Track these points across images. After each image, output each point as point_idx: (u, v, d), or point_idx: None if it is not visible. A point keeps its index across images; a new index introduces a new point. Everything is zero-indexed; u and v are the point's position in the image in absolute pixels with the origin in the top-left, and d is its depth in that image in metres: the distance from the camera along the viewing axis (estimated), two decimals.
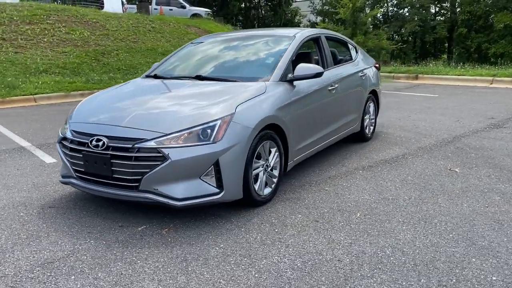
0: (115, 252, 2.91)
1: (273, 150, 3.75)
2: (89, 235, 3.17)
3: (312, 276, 2.59)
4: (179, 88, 3.98)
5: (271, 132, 3.66)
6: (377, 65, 6.22)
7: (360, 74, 5.48)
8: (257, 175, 3.59)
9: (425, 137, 6.09)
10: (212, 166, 3.17)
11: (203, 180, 3.19)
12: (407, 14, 32.50)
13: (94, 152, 3.25)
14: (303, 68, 4.04)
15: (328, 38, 5.30)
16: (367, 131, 5.85)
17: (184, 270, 2.67)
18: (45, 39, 14.18)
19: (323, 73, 4.18)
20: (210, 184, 3.21)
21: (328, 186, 4.15)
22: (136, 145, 3.13)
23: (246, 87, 3.74)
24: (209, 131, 3.19)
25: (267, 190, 3.73)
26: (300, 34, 4.61)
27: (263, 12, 40.42)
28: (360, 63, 5.64)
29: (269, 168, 3.72)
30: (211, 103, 3.44)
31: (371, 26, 31.04)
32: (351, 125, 5.34)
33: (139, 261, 2.78)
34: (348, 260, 2.77)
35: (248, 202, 3.55)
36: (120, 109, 3.63)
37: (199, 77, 4.15)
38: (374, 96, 5.98)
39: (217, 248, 2.95)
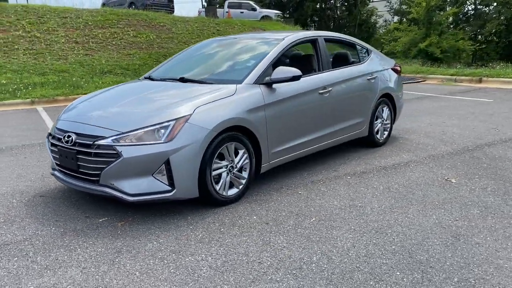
0: (65, 239, 3.17)
1: (241, 151, 3.81)
2: (54, 222, 3.47)
3: (223, 275, 2.64)
4: (157, 90, 4.18)
5: (237, 133, 3.73)
6: (396, 68, 5.97)
7: (367, 77, 5.33)
8: (219, 175, 3.67)
9: (445, 144, 5.76)
10: (163, 164, 3.32)
11: (155, 178, 3.35)
12: (490, 11, 30.21)
13: (65, 147, 3.56)
14: (281, 71, 4.06)
15: (329, 40, 5.22)
16: (378, 136, 5.65)
17: (111, 261, 2.84)
18: (114, 42, 15.24)
19: (301, 77, 4.16)
20: (162, 182, 3.36)
21: (304, 190, 4.11)
22: (96, 142, 3.38)
23: (216, 89, 3.84)
24: (162, 131, 3.35)
25: (233, 191, 3.81)
26: (289, 37, 4.61)
27: (338, 12, 39.82)
28: (370, 65, 5.47)
29: (236, 169, 3.78)
30: (174, 104, 3.59)
31: (451, 26, 29.32)
32: (355, 129, 5.21)
33: (79, 249, 3.01)
34: (268, 263, 2.78)
35: (209, 201, 3.65)
36: (97, 108, 3.91)
37: (182, 79, 4.32)
38: (389, 100, 5.76)
39: (155, 242, 3.10)
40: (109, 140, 3.35)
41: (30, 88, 11.11)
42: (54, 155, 3.78)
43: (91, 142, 3.40)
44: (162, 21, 17.96)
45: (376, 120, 5.58)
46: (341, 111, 4.90)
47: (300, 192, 4.07)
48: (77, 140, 3.49)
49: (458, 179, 4.34)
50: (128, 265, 2.79)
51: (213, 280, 2.58)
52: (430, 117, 7.71)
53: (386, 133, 5.82)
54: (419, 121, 7.34)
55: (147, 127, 3.36)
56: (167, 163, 3.32)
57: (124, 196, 3.35)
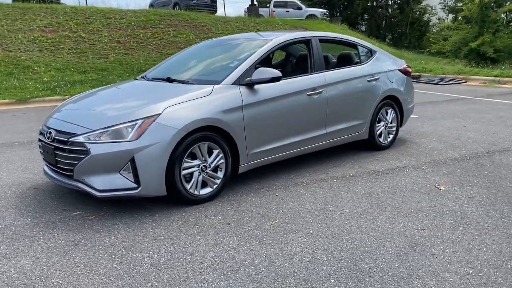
0: (34, 230, 3.36)
1: (216, 151, 3.85)
2: (33, 214, 3.68)
3: (160, 273, 2.70)
4: (141, 89, 4.30)
5: (210, 133, 3.77)
6: (405, 69, 5.77)
7: (368, 78, 5.19)
8: (191, 174, 3.74)
9: (454, 149, 5.50)
10: (129, 162, 3.43)
11: (122, 175, 3.47)
12: None
13: (46, 143, 3.76)
14: (261, 72, 4.06)
15: (325, 41, 5.14)
16: (381, 139, 5.49)
17: (64, 253, 2.98)
18: (154, 42, 15.73)
19: (281, 78, 4.14)
20: (128, 179, 3.47)
21: (283, 192, 4.09)
22: (70, 139, 3.54)
23: (193, 90, 3.90)
24: (130, 129, 3.46)
25: (206, 190, 3.85)
26: (276, 39, 4.59)
27: (390, 10, 38.71)
28: (371, 66, 5.32)
29: (209, 169, 3.83)
30: (147, 103, 3.69)
31: (510, 24, 27.63)
32: (353, 131, 5.10)
33: (41, 240, 3.18)
34: (209, 263, 2.81)
35: (179, 200, 3.72)
36: (81, 107, 4.09)
37: (169, 79, 4.42)
38: (394, 102, 5.57)
39: (113, 237, 3.21)
40: (81, 137, 3.50)
41: (69, 86, 11.72)
42: (40, 150, 4.00)
43: (66, 139, 3.56)
44: (203, 21, 18.29)
45: (378, 123, 5.42)
46: (336, 113, 4.81)
47: (277, 194, 4.05)
48: (55, 137, 3.68)
49: (449, 187, 4.14)
50: (77, 257, 2.91)
51: (147, 277, 2.65)
52: (452, 120, 7.37)
53: (391, 136, 5.64)
54: (439, 124, 7.04)
55: (115, 125, 3.48)
56: (132, 161, 3.42)
57: (93, 192, 3.48)
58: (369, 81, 5.21)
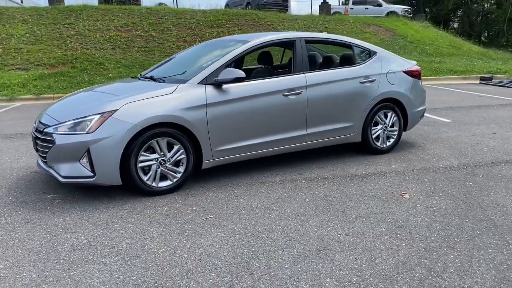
0: (6, 208, 3.86)
1: (176, 147, 4.09)
2: (16, 194, 4.20)
3: (72, 253, 3.01)
4: (124, 87, 4.62)
5: (170, 129, 4.01)
6: (411, 71, 5.53)
7: (360, 80, 5.08)
8: (149, 167, 4.01)
9: (457, 157, 5.19)
10: (86, 152, 3.79)
11: (81, 164, 3.84)
12: None
13: (33, 132, 4.27)
14: (227, 72, 4.22)
15: (313, 42, 5.13)
16: (379, 143, 5.34)
17: (11, 228, 3.42)
18: None
19: (245, 79, 4.27)
20: (86, 168, 3.84)
21: (243, 189, 4.22)
22: (44, 130, 4.01)
23: (159, 88, 4.17)
24: (88, 123, 3.82)
25: (165, 183, 4.11)
26: (254, 41, 4.68)
27: (486, 5, 35.84)
28: (366, 68, 5.19)
29: (169, 163, 4.08)
30: (112, 100, 4.03)
31: None
32: (341, 133, 5.04)
33: (4, 216, 3.66)
34: (119, 248, 3.06)
35: (136, 190, 4.01)
36: (69, 101, 4.54)
37: (152, 78, 4.73)
38: (396, 105, 5.38)
39: (61, 219, 3.60)
40: (51, 128, 3.94)
41: None
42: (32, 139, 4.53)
43: (42, 129, 4.03)
44: (270, 20, 18.55)
45: (375, 126, 5.28)
46: (318, 114, 4.79)
47: (235, 191, 4.18)
48: (37, 127, 4.16)
49: (415, 196, 3.98)
50: (19, 233, 3.32)
51: (58, 255, 2.96)
52: (486, 126, 6.86)
53: (391, 140, 5.45)
54: (467, 130, 6.61)
55: (78, 119, 3.86)
56: (88, 151, 3.77)
57: (59, 178, 3.90)
58: (362, 82, 5.09)
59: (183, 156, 4.13)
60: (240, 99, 4.34)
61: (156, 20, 17.13)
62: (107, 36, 15.60)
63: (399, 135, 5.50)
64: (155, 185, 4.05)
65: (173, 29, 16.69)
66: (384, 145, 5.39)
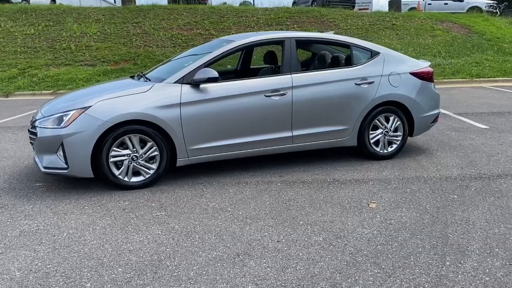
0: None
1: (149, 144, 4.24)
2: (12, 180, 4.60)
3: (17, 238, 3.25)
4: (113, 85, 4.80)
5: (142, 127, 4.16)
6: (420, 73, 5.18)
7: (356, 81, 4.87)
8: (122, 162, 4.20)
9: (462, 168, 4.80)
10: (60, 146, 4.06)
11: (58, 156, 4.12)
12: None
13: (29, 127, 4.65)
14: (202, 72, 4.28)
15: (307, 42, 5.00)
16: (378, 148, 5.09)
17: None
18: None
19: (218, 79, 4.28)
20: (61, 160, 4.11)
21: (212, 189, 4.25)
22: (33, 123, 4.35)
23: (136, 86, 4.34)
24: (64, 118, 4.09)
25: (138, 178, 4.27)
26: (240, 41, 4.67)
27: None
28: (365, 69, 4.95)
29: (142, 159, 4.23)
30: (90, 97, 4.25)
31: None
32: (333, 136, 4.88)
33: None
34: (57, 237, 3.25)
35: (109, 183, 4.21)
36: (64, 98, 4.85)
37: (144, 76, 4.91)
38: (400, 109, 5.09)
39: (30, 206, 3.88)
40: (37, 122, 4.26)
41: None
42: None
43: (32, 124, 4.37)
44: (333, 17, 18.18)
45: (373, 130, 5.03)
46: (305, 116, 4.67)
47: (204, 190, 4.23)
48: (31, 120, 4.52)
49: (382, 206, 3.76)
50: None
51: (4, 240, 3.22)
52: None
53: (394, 146, 5.16)
54: (497, 138, 6.06)
55: (56, 114, 4.14)
56: (62, 145, 4.03)
57: (41, 168, 4.22)
58: (358, 84, 4.87)
59: (156, 153, 4.25)
60: (217, 99, 4.36)
61: (217, 18, 17.54)
62: (169, 35, 16.27)
63: (403, 141, 5.18)
64: (127, 180, 4.21)
65: (233, 27, 16.97)
66: (385, 151, 5.11)
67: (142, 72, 5.01)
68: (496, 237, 3.11)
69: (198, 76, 4.25)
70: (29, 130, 4.42)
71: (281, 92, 4.56)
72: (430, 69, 5.26)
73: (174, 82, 4.33)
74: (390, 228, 3.29)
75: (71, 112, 4.05)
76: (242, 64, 6.19)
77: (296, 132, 4.70)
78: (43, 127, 4.11)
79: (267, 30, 16.42)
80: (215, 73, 4.22)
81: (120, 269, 2.76)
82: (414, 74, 5.13)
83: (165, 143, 4.25)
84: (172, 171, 4.67)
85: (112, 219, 3.54)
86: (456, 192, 4.02)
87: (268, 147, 4.66)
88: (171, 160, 4.38)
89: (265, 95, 4.52)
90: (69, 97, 4.56)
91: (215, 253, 2.94)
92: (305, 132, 4.73)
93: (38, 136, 4.11)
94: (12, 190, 4.26)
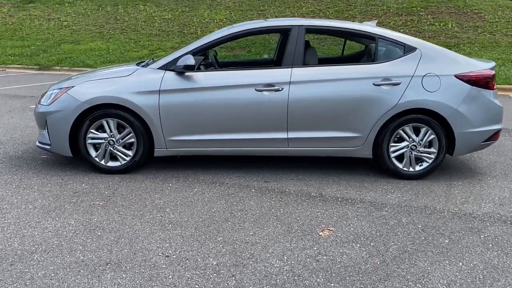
0: None
1: (126, 129, 4.15)
2: (19, 151, 4.95)
3: None
4: (112, 70, 4.68)
5: (120, 112, 4.09)
6: (470, 76, 4.10)
7: (375, 81, 4.05)
8: (99, 145, 4.19)
9: (489, 202, 3.71)
10: (45, 123, 4.22)
11: (46, 132, 4.28)
12: None
13: None
14: (183, 59, 4.01)
15: (320, 31, 4.33)
16: (401, 165, 4.17)
17: None
18: (399, 30, 14.92)
19: (193, 67, 3.95)
20: (47, 136, 4.26)
21: (180, 185, 3.98)
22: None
23: (123, 71, 4.25)
24: (52, 96, 4.22)
25: (114, 164, 4.21)
26: (238, 27, 4.24)
27: None
28: (391, 67, 4.05)
29: (118, 144, 4.16)
30: (81, 78, 4.30)
31: None
32: (341, 144, 4.15)
33: None
34: (11, 213, 3.37)
35: (90, 164, 4.24)
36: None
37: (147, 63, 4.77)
38: (436, 120, 4.10)
39: (14, 177, 4.13)
40: (41, 99, 4.47)
41: None
42: None
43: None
44: (479, 8, 15.85)
45: (397, 142, 4.17)
46: (305, 117, 4.04)
47: (170, 185, 3.99)
48: None
49: (337, 236, 3.06)
50: None
51: None
52: None
53: (424, 164, 4.20)
54: None
55: (49, 91, 4.29)
56: (46, 122, 4.17)
57: (36, 142, 4.44)
58: (377, 85, 4.05)
59: (133, 140, 4.12)
60: (201, 89, 4.03)
61: (344, 7, 16.70)
62: None
63: (438, 160, 4.15)
64: (103, 164, 4.17)
65: (358, 16, 15.97)
66: (411, 169, 4.17)
67: (153, 59, 4.85)
68: None
69: (179, 63, 3.96)
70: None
71: (276, 87, 4.00)
72: (488, 72, 4.09)
73: (158, 68, 4.11)
74: (311, 267, 2.61)
75: (56, 91, 4.13)
76: (278, 54, 5.62)
77: (292, 134, 4.10)
78: (39, 104, 4.28)
79: (394, 20, 15.09)
80: (192, 61, 3.88)
81: None
82: (461, 77, 4.05)
83: (143, 131, 4.08)
84: (160, 160, 4.48)
85: (51, 202, 3.52)
86: (456, 235, 3.05)
87: (257, 147, 4.17)
88: (150, 149, 4.18)
89: (255, 89, 4.02)
90: (75, 77, 4.66)
91: (86, 258, 2.68)
92: (304, 135, 4.10)
93: (35, 111, 4.29)
94: (15, 159, 4.58)
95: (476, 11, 15.71)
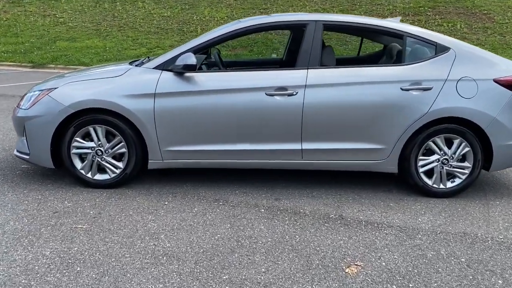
0: None
1: (117, 138, 3.61)
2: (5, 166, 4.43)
3: None
4: (104, 69, 4.18)
5: (109, 117, 3.55)
6: (509, 81, 3.57)
7: (404, 85, 3.52)
8: (86, 155, 3.65)
9: None
10: (24, 129, 3.66)
11: (24, 139, 3.73)
12: None
13: None
14: (182, 58, 3.47)
15: (340, 28, 3.82)
16: (431, 182, 3.66)
17: None
18: None
19: (195, 66, 3.41)
20: (26, 145, 3.70)
21: (178, 203, 3.46)
22: None
23: (115, 70, 3.72)
24: (32, 98, 3.67)
25: (102, 177, 3.67)
26: (243, 23, 3.70)
27: None
28: (422, 69, 3.53)
29: (107, 155, 3.63)
30: (66, 79, 3.76)
31: None
32: (362, 157, 3.63)
33: None
34: None
35: (75, 177, 3.69)
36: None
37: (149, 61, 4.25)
38: (471, 130, 3.58)
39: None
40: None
41: None
42: None
43: None
44: (488, 9, 15.36)
45: (426, 155, 3.64)
46: (322, 126, 3.52)
47: (166, 204, 3.46)
48: None
49: (366, 273, 2.54)
50: None
51: None
52: None
53: (457, 180, 3.68)
54: None
55: (28, 93, 3.74)
56: (24, 128, 3.62)
57: (14, 150, 3.89)
58: (405, 89, 3.51)
59: (124, 150, 3.58)
60: (203, 92, 3.50)
61: (348, 6, 16.19)
62: None
63: (473, 175, 3.63)
64: (90, 177, 3.64)
65: (364, 16, 15.43)
66: (442, 186, 3.65)
67: (148, 57, 4.29)
68: None
69: (178, 62, 3.42)
70: None
71: (290, 92, 3.47)
72: None
73: (153, 68, 3.58)
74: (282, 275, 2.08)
75: (37, 92, 3.60)
76: (289, 53, 5.07)
77: (307, 146, 3.56)
78: (18, 107, 3.74)
79: (402, 20, 14.49)
80: (193, 60, 3.35)
81: None
82: (501, 81, 3.52)
83: (135, 140, 3.54)
84: (155, 171, 3.95)
85: (25, 223, 2.98)
86: (510, 273, 2.52)
87: (267, 159, 3.64)
88: (143, 160, 3.64)
89: (266, 93, 3.48)
90: (61, 77, 4.11)
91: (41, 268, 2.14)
92: (320, 146, 3.57)
93: (12, 115, 3.75)
94: None
95: (485, 11, 15.22)
